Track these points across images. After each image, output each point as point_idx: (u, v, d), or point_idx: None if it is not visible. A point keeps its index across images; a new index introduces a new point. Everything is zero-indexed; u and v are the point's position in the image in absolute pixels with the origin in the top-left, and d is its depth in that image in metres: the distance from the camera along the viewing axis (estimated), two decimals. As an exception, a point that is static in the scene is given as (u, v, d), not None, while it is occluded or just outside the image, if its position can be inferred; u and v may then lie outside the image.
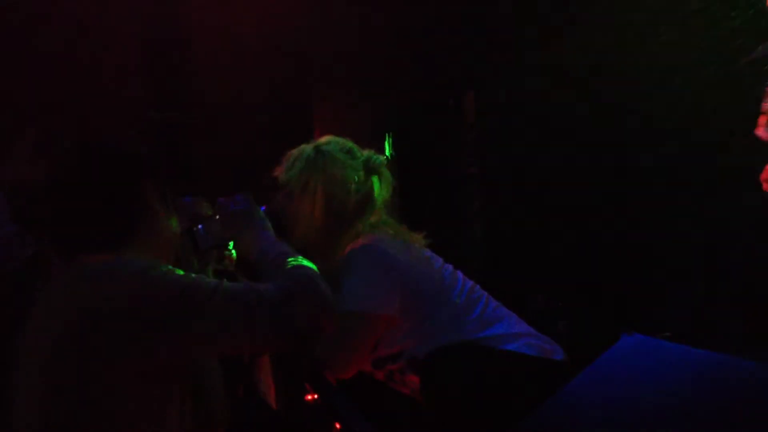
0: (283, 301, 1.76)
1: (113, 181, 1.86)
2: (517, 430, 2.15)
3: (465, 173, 5.22)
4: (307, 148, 2.71)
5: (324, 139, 2.74)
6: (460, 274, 2.67)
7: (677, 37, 4.56)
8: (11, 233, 2.90)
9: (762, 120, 3.42)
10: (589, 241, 4.98)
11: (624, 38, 4.75)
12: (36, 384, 1.77)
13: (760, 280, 4.11)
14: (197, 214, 2.54)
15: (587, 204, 4.98)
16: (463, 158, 5.22)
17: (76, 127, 4.26)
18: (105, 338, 1.69)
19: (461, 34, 5.13)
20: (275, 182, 2.68)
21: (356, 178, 2.67)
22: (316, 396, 3.04)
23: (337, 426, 2.94)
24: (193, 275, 1.79)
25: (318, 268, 1.95)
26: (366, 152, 2.73)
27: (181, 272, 1.79)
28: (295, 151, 2.71)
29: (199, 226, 2.22)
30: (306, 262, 1.94)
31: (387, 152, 5.11)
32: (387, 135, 5.20)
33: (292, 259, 1.95)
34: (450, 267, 2.68)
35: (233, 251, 2.45)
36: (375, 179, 2.69)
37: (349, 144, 2.73)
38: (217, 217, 2.22)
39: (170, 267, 1.79)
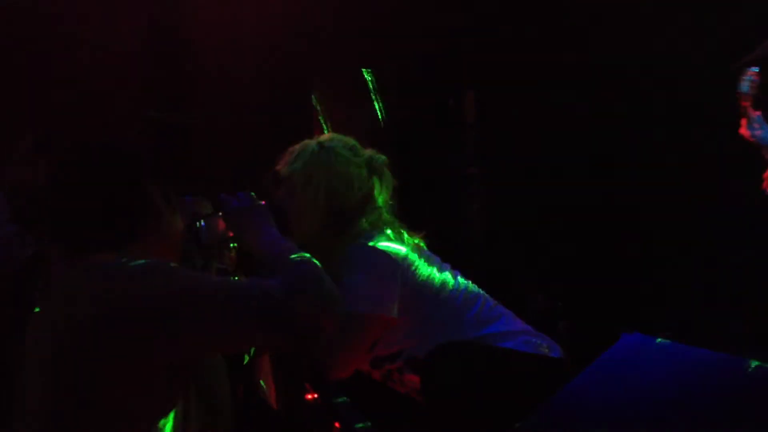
0: (290, 297, 1.75)
1: (116, 180, 1.86)
2: (517, 430, 2.15)
3: (465, 173, 5.21)
4: (310, 143, 2.68)
5: (326, 136, 2.72)
6: (458, 274, 2.67)
7: (678, 36, 4.56)
8: (11, 233, 2.90)
9: (743, 120, 3.46)
10: (589, 241, 4.98)
11: (624, 37, 4.75)
12: (37, 384, 1.77)
13: (760, 280, 4.10)
14: (198, 213, 2.53)
15: (587, 204, 4.98)
16: (463, 158, 5.22)
17: (77, 127, 4.26)
18: (109, 338, 1.69)
19: (461, 34, 5.13)
20: (276, 177, 2.66)
21: (360, 174, 2.65)
22: (316, 396, 3.04)
23: (337, 426, 2.94)
24: (198, 273, 1.79)
25: None
26: (368, 151, 2.72)
27: (186, 270, 1.79)
28: (297, 146, 2.68)
29: (201, 223, 2.20)
30: (311, 259, 1.93)
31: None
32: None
33: (297, 255, 1.94)
34: (448, 266, 2.68)
35: (233, 252, 2.44)
36: (376, 179, 2.69)
37: (352, 141, 2.71)
38: (220, 213, 2.21)
39: (174, 265, 1.79)
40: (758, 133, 3.46)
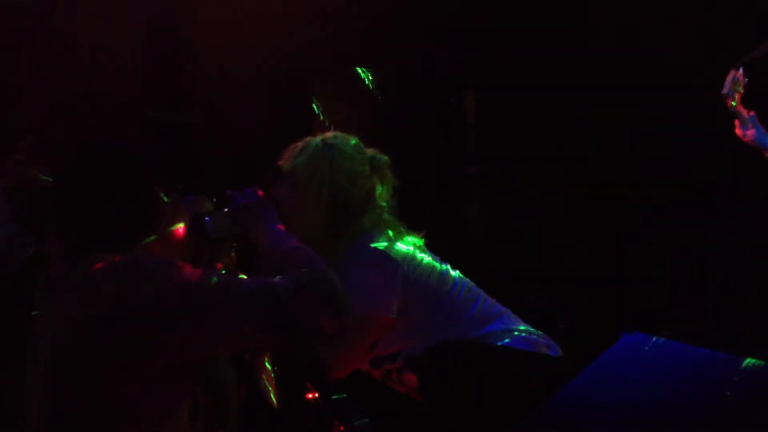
0: (298, 297, 1.75)
1: (120, 180, 1.85)
2: (517, 430, 2.15)
3: (465, 173, 5.22)
4: (314, 140, 2.66)
5: (330, 133, 2.70)
6: (457, 273, 2.67)
7: (678, 36, 4.57)
8: (11, 233, 2.90)
9: (736, 121, 3.47)
10: (590, 241, 4.99)
11: (625, 37, 4.75)
12: (39, 384, 1.77)
13: (760, 280, 4.11)
14: (199, 213, 2.52)
15: (587, 203, 4.98)
16: (463, 158, 5.22)
17: (77, 127, 4.26)
18: (111, 337, 1.69)
19: (461, 34, 5.13)
20: (277, 173, 2.64)
21: (363, 172, 2.64)
22: (317, 395, 3.04)
23: (338, 425, 2.94)
24: (202, 271, 1.78)
25: None
26: (370, 151, 2.71)
27: (189, 269, 1.79)
28: (300, 143, 2.66)
29: (206, 219, 2.19)
30: (319, 257, 1.92)
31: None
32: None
33: (304, 253, 1.93)
34: (448, 266, 2.68)
35: (232, 252, 2.44)
36: (377, 179, 2.68)
37: (355, 140, 2.70)
38: (225, 209, 2.19)
39: (178, 264, 1.79)
40: (751, 132, 3.47)
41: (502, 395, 2.38)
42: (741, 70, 3.40)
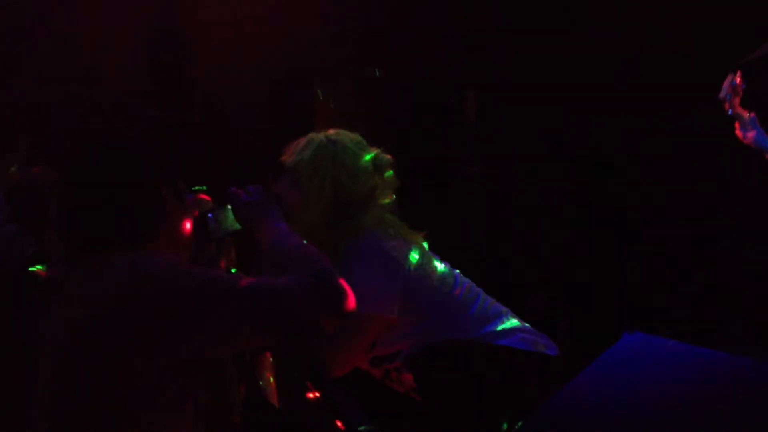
0: (302, 296, 1.75)
1: (127, 179, 1.85)
2: (517, 430, 2.15)
3: (465, 173, 5.22)
4: (317, 136, 2.64)
5: (333, 130, 2.69)
6: (457, 273, 2.66)
7: (679, 36, 4.57)
8: (11, 233, 2.90)
9: (737, 123, 3.48)
10: (590, 241, 4.99)
11: (625, 37, 4.75)
12: (42, 384, 1.77)
13: (760, 280, 4.11)
14: (199, 213, 2.51)
15: (588, 203, 4.98)
16: (463, 158, 5.22)
17: (77, 127, 4.26)
18: (118, 338, 1.69)
19: (461, 34, 5.13)
20: (280, 168, 2.63)
21: (366, 169, 2.64)
22: (317, 394, 3.04)
23: (339, 424, 2.94)
24: (205, 270, 1.78)
25: None
26: (373, 149, 2.70)
27: (193, 269, 1.78)
28: (303, 139, 2.65)
29: (209, 216, 2.18)
30: (322, 256, 1.92)
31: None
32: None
33: (308, 251, 1.93)
34: (448, 265, 2.68)
35: (232, 251, 2.43)
36: (379, 178, 2.67)
37: (359, 137, 2.69)
38: (229, 207, 2.19)
39: (182, 264, 1.79)
40: (751, 134, 3.47)
41: (502, 395, 2.38)
42: (738, 74, 3.41)
